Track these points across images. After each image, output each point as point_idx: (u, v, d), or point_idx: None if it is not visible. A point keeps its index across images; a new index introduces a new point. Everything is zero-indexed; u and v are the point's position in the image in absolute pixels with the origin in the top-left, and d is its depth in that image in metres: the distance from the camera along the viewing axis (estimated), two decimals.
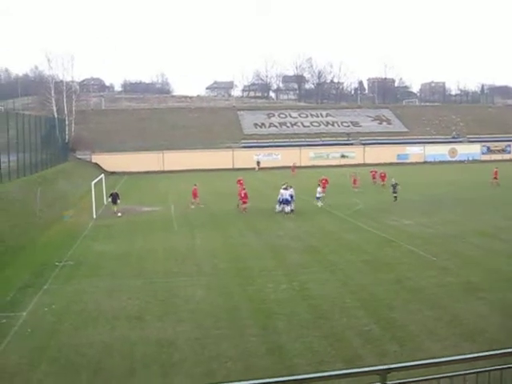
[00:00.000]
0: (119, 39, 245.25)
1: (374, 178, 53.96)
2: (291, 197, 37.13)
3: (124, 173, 70.58)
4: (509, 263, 22.72)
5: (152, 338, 15.28)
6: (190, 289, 20.10)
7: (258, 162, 77.85)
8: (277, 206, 37.56)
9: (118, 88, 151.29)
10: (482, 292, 18.84)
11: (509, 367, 5.93)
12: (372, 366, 5.71)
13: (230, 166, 76.86)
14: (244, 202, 38.14)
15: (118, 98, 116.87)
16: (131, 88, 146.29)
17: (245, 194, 38.31)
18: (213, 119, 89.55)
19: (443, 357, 6.22)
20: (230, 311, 17.50)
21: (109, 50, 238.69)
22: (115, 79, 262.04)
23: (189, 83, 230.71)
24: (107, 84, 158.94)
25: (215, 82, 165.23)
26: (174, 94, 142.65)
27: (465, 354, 5.96)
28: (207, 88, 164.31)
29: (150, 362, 13.79)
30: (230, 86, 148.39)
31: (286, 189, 37.28)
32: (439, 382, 5.78)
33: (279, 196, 37.45)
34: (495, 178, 50.33)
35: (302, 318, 16.64)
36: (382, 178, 51.23)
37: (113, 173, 69.63)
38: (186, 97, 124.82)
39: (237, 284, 20.69)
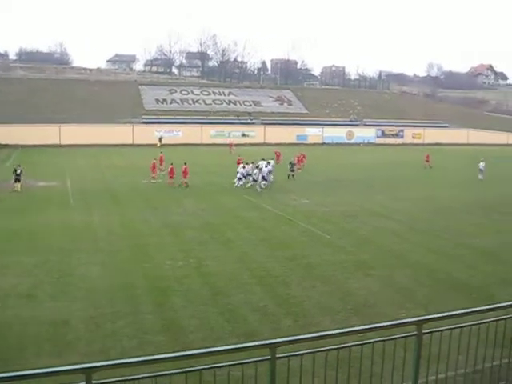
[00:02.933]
0: (15, 2, 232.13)
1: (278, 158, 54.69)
2: (269, 173, 39.33)
3: (18, 146, 67.35)
4: (398, 242, 23.92)
5: (45, 318, 14.82)
6: (86, 266, 19.66)
7: (161, 138, 76.51)
8: (236, 181, 38.84)
9: (12, 56, 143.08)
10: (373, 269, 19.74)
11: (392, 339, 6.28)
12: (264, 340, 5.86)
13: (130, 142, 75.36)
14: (171, 177, 39.25)
15: (13, 67, 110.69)
16: (27, 57, 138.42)
17: (184, 169, 39.00)
18: (113, 93, 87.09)
19: (332, 330, 6.48)
20: (126, 289, 17.29)
21: (3, 13, 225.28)
22: (10, 46, 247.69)
23: (89, 55, 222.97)
24: (1, 51, 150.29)
25: (116, 55, 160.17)
26: (73, 65, 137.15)
27: (352, 327, 6.25)
28: (108, 61, 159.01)
29: (43, 341, 13.40)
30: (131, 59, 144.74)
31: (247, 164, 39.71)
32: (327, 355, 6.02)
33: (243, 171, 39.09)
34: (427, 160, 54.20)
35: (198, 295, 16.74)
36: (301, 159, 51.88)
37: (6, 145, 66.30)
38: (85, 69, 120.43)
39: (133, 261, 20.45)
